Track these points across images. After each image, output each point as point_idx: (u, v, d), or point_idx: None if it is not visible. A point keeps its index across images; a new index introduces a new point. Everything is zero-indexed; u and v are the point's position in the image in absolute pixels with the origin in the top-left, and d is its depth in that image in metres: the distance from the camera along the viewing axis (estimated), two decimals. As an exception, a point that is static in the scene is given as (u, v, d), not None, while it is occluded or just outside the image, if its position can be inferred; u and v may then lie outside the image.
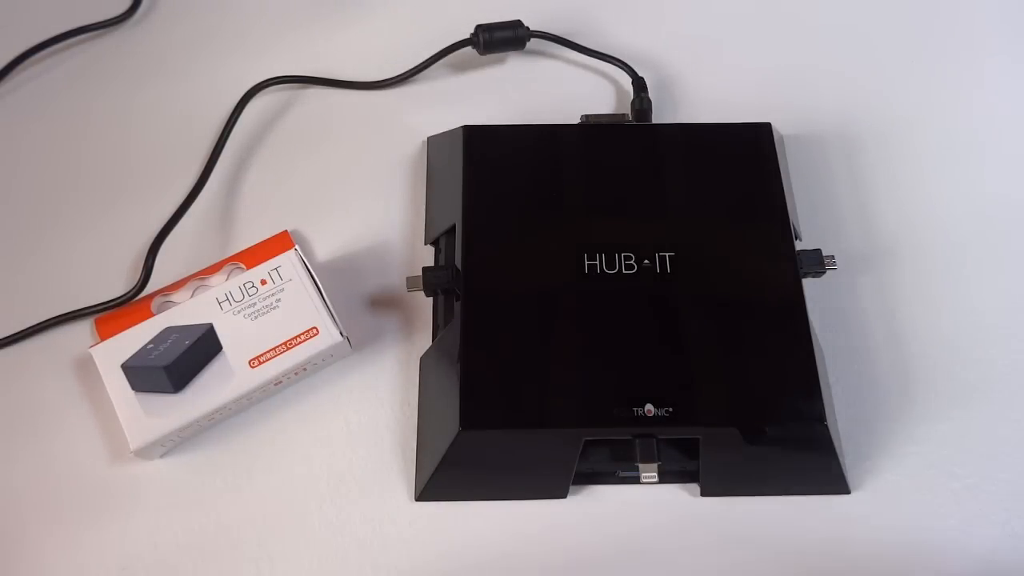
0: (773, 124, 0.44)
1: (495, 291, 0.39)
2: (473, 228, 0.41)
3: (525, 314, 0.39)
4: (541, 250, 0.40)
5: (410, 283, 0.41)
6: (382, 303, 0.44)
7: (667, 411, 0.36)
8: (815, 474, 0.38)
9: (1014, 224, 0.46)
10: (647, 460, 0.36)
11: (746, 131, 0.44)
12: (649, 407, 0.36)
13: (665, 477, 0.38)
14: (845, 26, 0.54)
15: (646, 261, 0.39)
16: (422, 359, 0.42)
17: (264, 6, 0.55)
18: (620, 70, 0.51)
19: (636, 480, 0.38)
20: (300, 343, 0.40)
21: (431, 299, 0.43)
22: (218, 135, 0.48)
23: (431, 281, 0.40)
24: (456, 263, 0.40)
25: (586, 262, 0.39)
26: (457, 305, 0.39)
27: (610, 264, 0.39)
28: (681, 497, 0.39)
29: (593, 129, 0.45)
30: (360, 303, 0.44)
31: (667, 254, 0.40)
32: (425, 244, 0.45)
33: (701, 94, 0.51)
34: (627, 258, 0.40)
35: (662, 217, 0.41)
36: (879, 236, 0.46)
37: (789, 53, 0.52)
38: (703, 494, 0.39)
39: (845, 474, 0.38)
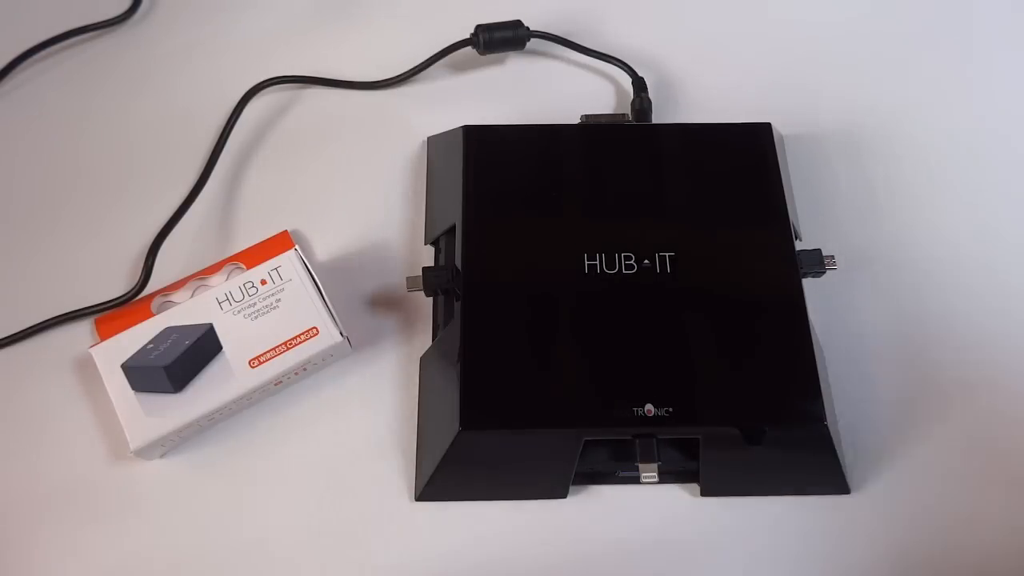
0: (773, 124, 0.44)
1: (495, 291, 0.39)
2: (473, 228, 0.41)
3: (525, 314, 0.39)
4: (541, 250, 0.40)
5: (410, 283, 0.41)
6: (382, 303, 0.44)
7: (667, 411, 0.36)
8: (815, 474, 0.38)
9: (1014, 224, 0.46)
10: (647, 460, 0.36)
11: (746, 131, 0.44)
12: (649, 407, 0.36)
13: (665, 477, 0.38)
14: (846, 26, 0.53)
15: (646, 261, 0.39)
16: (422, 359, 0.42)
17: (264, 6, 0.55)
18: (620, 70, 0.51)
19: (636, 480, 0.38)
20: (300, 343, 0.40)
21: (431, 299, 0.43)
22: (218, 135, 0.48)
23: (431, 281, 0.40)
24: (456, 263, 0.40)
25: (586, 262, 0.39)
26: (457, 305, 0.39)
27: (610, 264, 0.39)
28: (681, 497, 0.39)
29: (593, 129, 0.45)
30: (360, 303, 0.44)
31: (667, 254, 0.40)
32: (425, 244, 0.45)
33: (701, 94, 0.51)
34: (627, 258, 0.40)
35: (662, 217, 0.41)
36: (879, 236, 0.46)
37: (789, 53, 0.52)
38: (703, 494, 0.39)
39: (845, 474, 0.38)
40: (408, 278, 0.41)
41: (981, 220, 0.46)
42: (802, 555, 0.38)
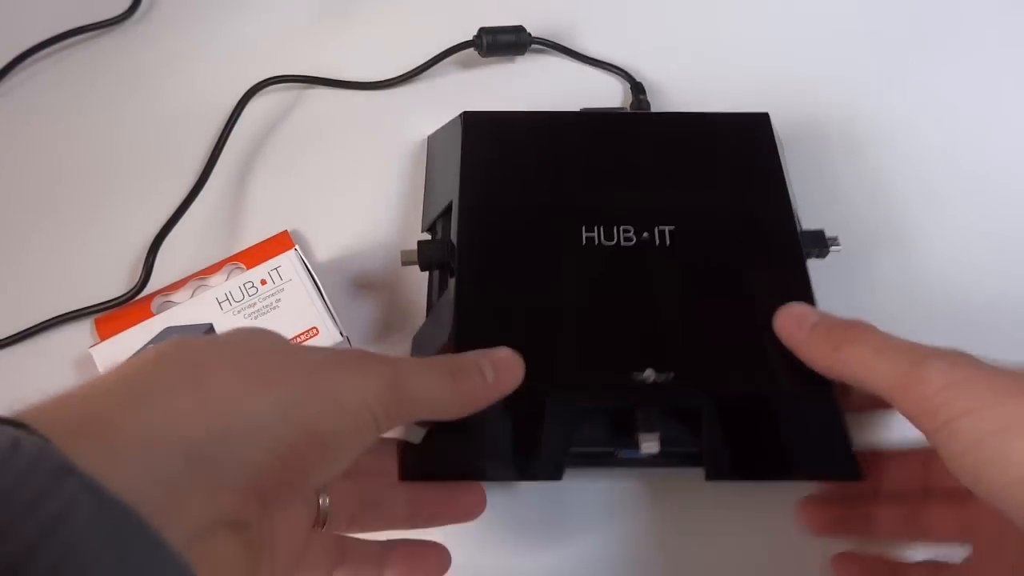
0: (774, 124, 0.44)
1: (490, 263, 0.38)
2: (469, 202, 0.40)
3: (520, 285, 0.38)
4: (538, 222, 0.39)
5: (404, 257, 0.40)
6: (379, 295, 0.44)
7: (668, 376, 0.34)
8: (823, 457, 0.37)
9: (1016, 218, 0.46)
10: (648, 429, 0.34)
11: (744, 120, 0.44)
12: (649, 372, 0.35)
13: (667, 461, 0.37)
14: (845, 26, 0.54)
15: (645, 234, 0.39)
16: (415, 337, 0.41)
17: (264, 6, 0.55)
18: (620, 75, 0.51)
19: (637, 461, 0.37)
20: (300, 343, 0.40)
21: (427, 286, 0.43)
22: (218, 135, 0.48)
23: (426, 254, 0.39)
24: (452, 238, 0.40)
25: (584, 234, 0.39)
26: (451, 281, 0.38)
27: (608, 236, 0.39)
28: (684, 482, 0.38)
29: (592, 116, 0.45)
30: (358, 297, 0.44)
31: (667, 227, 0.39)
32: (422, 231, 0.45)
33: (700, 99, 0.51)
34: (625, 231, 0.39)
35: (662, 193, 0.41)
36: (878, 234, 0.46)
37: (789, 57, 0.53)
38: (708, 478, 0.37)
39: (855, 457, 0.36)
40: (403, 251, 0.40)
41: (982, 217, 0.46)
42: (806, 545, 0.37)
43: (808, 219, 0.45)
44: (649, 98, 0.50)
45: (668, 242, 0.39)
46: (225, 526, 0.24)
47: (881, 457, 0.36)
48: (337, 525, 0.32)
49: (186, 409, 0.23)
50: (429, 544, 0.34)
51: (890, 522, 0.35)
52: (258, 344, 0.26)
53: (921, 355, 0.28)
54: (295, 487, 0.26)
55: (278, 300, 0.41)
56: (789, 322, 0.32)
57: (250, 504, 0.24)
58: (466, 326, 0.36)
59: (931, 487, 0.34)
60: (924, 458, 0.35)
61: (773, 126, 0.44)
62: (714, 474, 0.37)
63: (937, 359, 0.27)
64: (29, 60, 0.52)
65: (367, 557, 0.33)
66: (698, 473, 0.37)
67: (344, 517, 0.32)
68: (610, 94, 0.51)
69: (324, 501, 0.31)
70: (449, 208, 0.41)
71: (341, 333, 0.40)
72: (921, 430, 0.28)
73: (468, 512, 0.35)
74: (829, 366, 0.30)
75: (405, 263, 0.40)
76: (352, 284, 0.44)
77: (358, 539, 0.33)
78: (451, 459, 0.37)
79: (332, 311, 0.41)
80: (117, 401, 0.22)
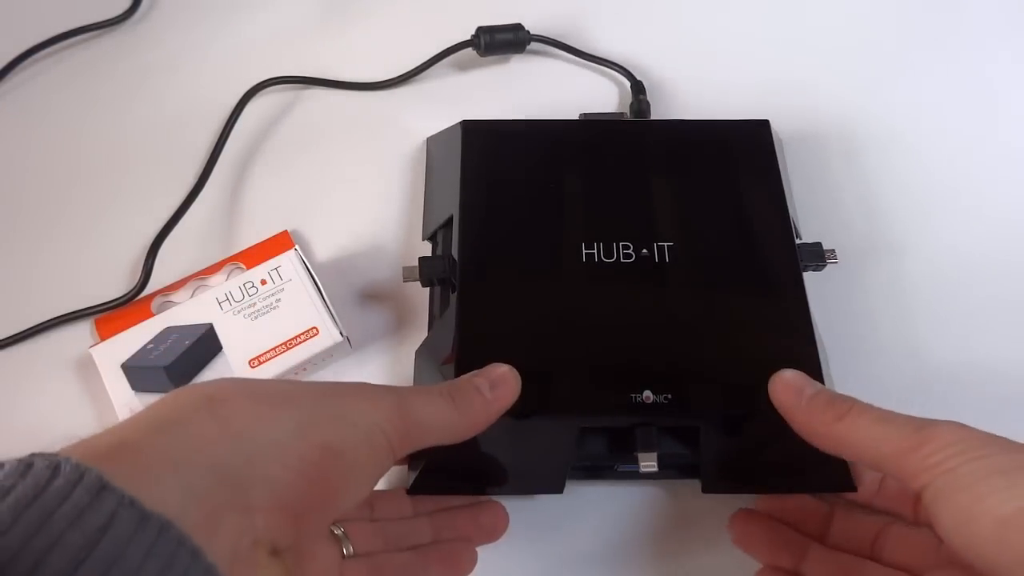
0: (773, 126, 0.44)
1: (491, 279, 0.39)
2: (470, 217, 0.40)
3: (521, 301, 0.38)
4: (538, 238, 0.40)
5: (406, 273, 0.40)
6: (382, 303, 0.44)
7: (665, 397, 0.35)
8: (820, 470, 0.37)
9: (1010, 220, 0.46)
10: (647, 449, 0.35)
11: (744, 128, 0.44)
12: (648, 393, 0.35)
13: (666, 473, 0.37)
14: (844, 26, 0.54)
15: (644, 250, 0.39)
16: (417, 352, 0.41)
17: (264, 6, 0.55)
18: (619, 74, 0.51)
19: (636, 474, 0.37)
20: (300, 343, 0.40)
21: (428, 298, 0.43)
22: (218, 135, 0.48)
23: (427, 270, 0.40)
24: (452, 253, 0.40)
25: (584, 251, 0.39)
26: (453, 296, 0.39)
27: (608, 253, 0.39)
28: (682, 494, 0.39)
29: (592, 124, 0.45)
30: (360, 303, 0.44)
31: (665, 244, 0.39)
32: (423, 240, 0.45)
33: (699, 97, 0.51)
34: (625, 247, 0.39)
35: (661, 208, 0.41)
36: (877, 235, 0.46)
37: (788, 55, 0.53)
38: (704, 491, 0.38)
39: (850, 469, 0.38)
40: (404, 268, 0.41)
41: (981, 217, 0.46)
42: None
43: (805, 224, 0.45)
44: (649, 97, 0.50)
45: (667, 259, 0.39)
46: (264, 549, 0.24)
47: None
48: (365, 561, 0.33)
49: (207, 435, 0.24)
50: (459, 543, 0.35)
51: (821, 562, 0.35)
52: (257, 381, 0.28)
53: (925, 421, 0.29)
54: (323, 506, 0.27)
55: (278, 300, 0.41)
56: (785, 390, 0.32)
57: (284, 524, 0.25)
58: (467, 343, 0.37)
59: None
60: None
61: (773, 129, 0.44)
62: (711, 487, 0.37)
63: (943, 423, 0.28)
64: (30, 60, 0.52)
65: (405, 569, 0.33)
66: (695, 483, 0.38)
67: (369, 554, 0.33)
68: (609, 92, 0.51)
69: (339, 531, 0.32)
70: (450, 221, 0.41)
71: (341, 333, 0.40)
72: (917, 485, 0.28)
73: (491, 531, 0.36)
74: (827, 434, 0.31)
75: (407, 279, 0.40)
76: (355, 292, 0.44)
77: (391, 555, 0.33)
78: (455, 475, 0.37)
79: (332, 311, 0.41)
80: (142, 431, 0.24)
